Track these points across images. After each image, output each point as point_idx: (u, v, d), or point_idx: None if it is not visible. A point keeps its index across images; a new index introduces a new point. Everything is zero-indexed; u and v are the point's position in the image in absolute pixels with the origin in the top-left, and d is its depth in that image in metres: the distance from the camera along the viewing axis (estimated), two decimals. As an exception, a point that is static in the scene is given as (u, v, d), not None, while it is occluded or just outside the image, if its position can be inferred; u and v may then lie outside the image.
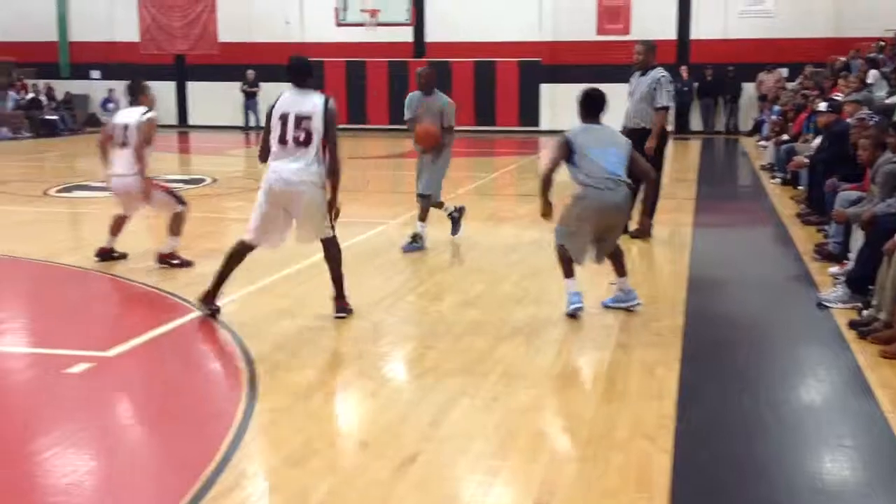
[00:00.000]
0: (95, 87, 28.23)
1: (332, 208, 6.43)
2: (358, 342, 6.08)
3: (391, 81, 26.21)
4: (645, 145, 8.83)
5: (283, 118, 6.24)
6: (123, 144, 8.05)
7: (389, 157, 19.80)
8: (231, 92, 26.21)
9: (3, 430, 4.65)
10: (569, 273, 6.57)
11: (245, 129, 26.68)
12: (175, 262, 8.10)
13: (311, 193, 6.29)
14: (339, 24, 25.55)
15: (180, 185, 13.61)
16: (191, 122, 27.88)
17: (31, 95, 26.06)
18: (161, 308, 6.95)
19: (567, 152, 6.49)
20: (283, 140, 6.24)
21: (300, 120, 6.19)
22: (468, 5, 25.78)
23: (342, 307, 6.58)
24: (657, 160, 9.17)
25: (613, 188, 6.39)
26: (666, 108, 9.39)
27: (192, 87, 27.82)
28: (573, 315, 6.45)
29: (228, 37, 27.01)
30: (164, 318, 6.49)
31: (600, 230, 6.52)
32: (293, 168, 6.23)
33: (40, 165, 19.33)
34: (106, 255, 8.34)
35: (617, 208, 6.48)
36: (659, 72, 9.40)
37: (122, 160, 8.07)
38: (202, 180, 13.60)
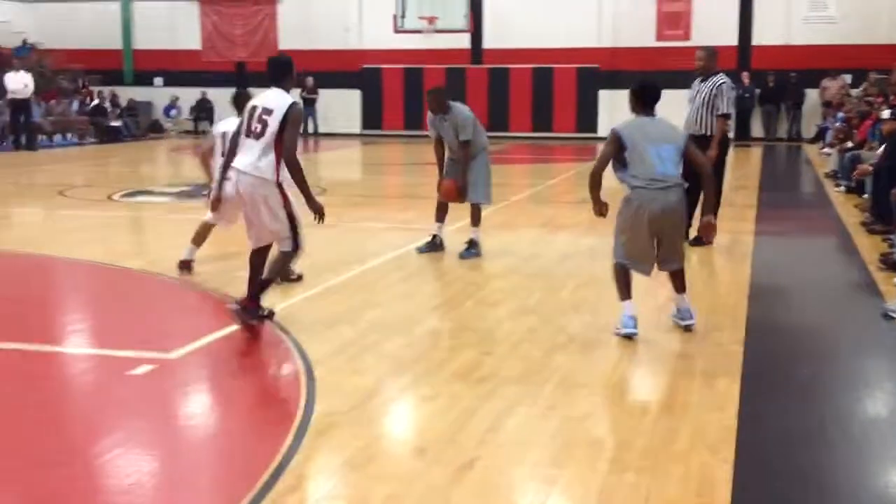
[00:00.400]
0: (158, 94, 28.73)
1: (314, 211, 6.21)
2: (416, 348, 6.09)
3: (448, 88, 26.25)
4: (707, 153, 8.71)
5: (251, 111, 6.19)
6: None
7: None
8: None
9: (68, 431, 4.75)
10: (625, 294, 6.18)
11: (304, 135, 26.94)
12: (293, 277, 7.76)
13: (262, 189, 6.08)
14: (397, 31, 25.67)
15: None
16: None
17: (95, 102, 26.60)
18: (222, 311, 7.03)
19: (618, 149, 6.09)
20: (247, 133, 6.16)
21: (262, 113, 6.11)
22: (526, 12, 25.76)
23: (249, 309, 6.24)
24: (718, 168, 9.08)
25: (664, 189, 5.98)
26: (727, 116, 9.28)
27: (252, 94, 28.12)
28: (627, 336, 6.09)
29: (288, 44, 27.27)
30: (226, 321, 6.56)
31: (655, 234, 6.11)
32: (245, 160, 6.11)
33: (104, 170, 19.72)
34: (187, 266, 8.11)
35: (670, 210, 6.03)
36: (720, 78, 9.30)
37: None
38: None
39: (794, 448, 4.48)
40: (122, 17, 28.77)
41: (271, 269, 6.40)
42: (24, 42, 28.32)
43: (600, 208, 6.27)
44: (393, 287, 7.90)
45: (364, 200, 14.13)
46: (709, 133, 9.20)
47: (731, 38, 24.38)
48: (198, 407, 5.24)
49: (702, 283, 7.86)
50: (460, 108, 8.89)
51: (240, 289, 7.48)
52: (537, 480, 4.07)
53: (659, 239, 6.15)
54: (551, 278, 8.10)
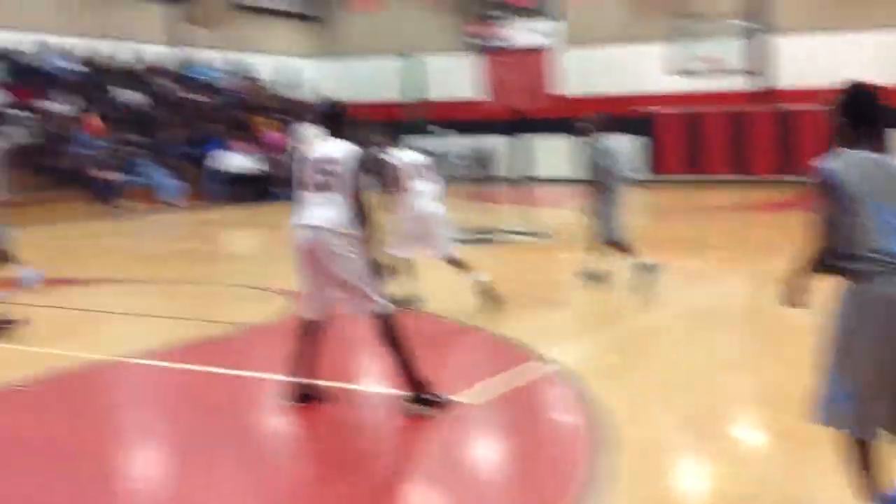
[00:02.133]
0: (438, 143, 29.80)
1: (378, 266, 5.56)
2: (704, 400, 5.84)
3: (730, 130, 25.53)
4: None
5: (306, 162, 5.61)
6: None
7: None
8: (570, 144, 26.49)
9: (355, 464, 4.89)
10: (871, 487, 3.58)
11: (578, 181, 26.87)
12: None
13: (341, 250, 5.40)
14: (672, 74, 25.25)
15: (521, 236, 13.98)
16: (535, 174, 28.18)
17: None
18: (504, 353, 7.01)
19: (833, 203, 3.46)
20: (307, 185, 5.55)
21: (325, 162, 5.48)
22: (820, 49, 24.61)
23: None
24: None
25: None
26: None
27: (534, 141, 28.15)
28: None
29: (569, 90, 27.44)
30: (508, 364, 6.55)
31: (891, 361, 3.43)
32: (315, 214, 5.47)
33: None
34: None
35: None
36: None
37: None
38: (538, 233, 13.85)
39: None
40: (405, 71, 30.25)
41: (395, 343, 5.54)
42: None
43: (799, 290, 3.74)
44: (684, 337, 7.64)
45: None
46: None
47: None
48: (483, 453, 5.23)
49: None
50: None
51: (517, 330, 7.43)
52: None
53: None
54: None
